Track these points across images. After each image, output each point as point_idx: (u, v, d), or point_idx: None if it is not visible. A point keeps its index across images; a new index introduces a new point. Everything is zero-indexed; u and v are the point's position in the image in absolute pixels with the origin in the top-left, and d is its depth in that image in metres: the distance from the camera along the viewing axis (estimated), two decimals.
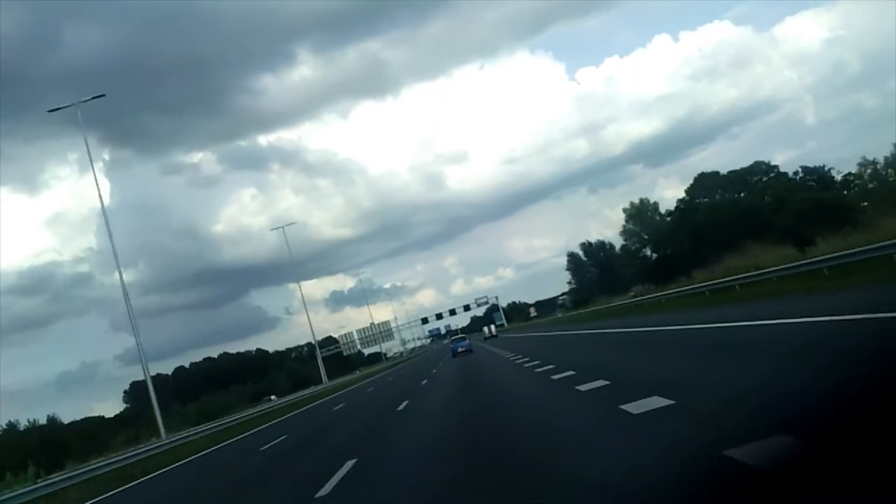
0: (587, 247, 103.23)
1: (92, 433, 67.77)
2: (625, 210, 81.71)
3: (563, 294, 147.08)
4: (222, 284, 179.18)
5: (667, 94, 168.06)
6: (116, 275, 33.13)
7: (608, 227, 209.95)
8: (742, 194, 62.15)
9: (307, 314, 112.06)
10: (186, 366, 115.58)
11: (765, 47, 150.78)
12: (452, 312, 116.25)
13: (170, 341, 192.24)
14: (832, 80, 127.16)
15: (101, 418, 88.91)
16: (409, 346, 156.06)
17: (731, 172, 65.50)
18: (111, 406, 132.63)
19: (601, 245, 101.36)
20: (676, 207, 67.34)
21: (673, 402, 6.17)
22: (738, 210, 55.81)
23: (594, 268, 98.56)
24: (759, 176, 62.83)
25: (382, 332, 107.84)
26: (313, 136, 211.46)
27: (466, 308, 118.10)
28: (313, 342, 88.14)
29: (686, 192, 67.93)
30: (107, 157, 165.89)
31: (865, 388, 4.16)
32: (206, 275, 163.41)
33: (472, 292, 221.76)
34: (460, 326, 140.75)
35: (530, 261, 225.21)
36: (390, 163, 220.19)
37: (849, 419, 3.39)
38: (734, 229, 47.27)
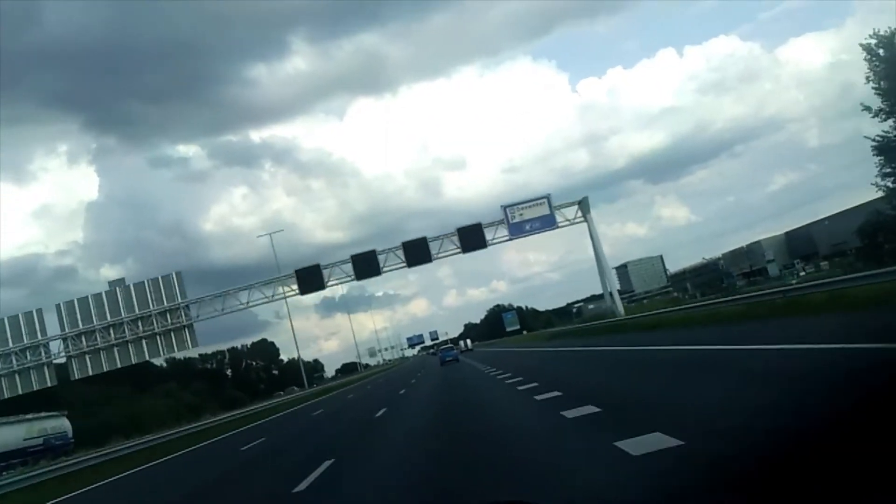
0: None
1: None
2: None
3: (577, 302, 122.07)
4: (211, 284, 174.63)
5: (672, 106, 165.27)
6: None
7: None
8: None
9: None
10: None
11: (771, 65, 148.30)
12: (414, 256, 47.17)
13: None
14: (838, 104, 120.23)
15: None
16: (387, 356, 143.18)
17: None
18: None
19: None
20: None
21: None
22: None
23: None
24: None
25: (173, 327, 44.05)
26: (307, 134, 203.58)
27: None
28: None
29: None
30: (94, 145, 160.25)
31: None
32: (194, 274, 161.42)
33: (465, 304, 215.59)
34: (450, 336, 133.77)
35: (525, 275, 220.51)
36: (386, 166, 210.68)
37: None
38: None
